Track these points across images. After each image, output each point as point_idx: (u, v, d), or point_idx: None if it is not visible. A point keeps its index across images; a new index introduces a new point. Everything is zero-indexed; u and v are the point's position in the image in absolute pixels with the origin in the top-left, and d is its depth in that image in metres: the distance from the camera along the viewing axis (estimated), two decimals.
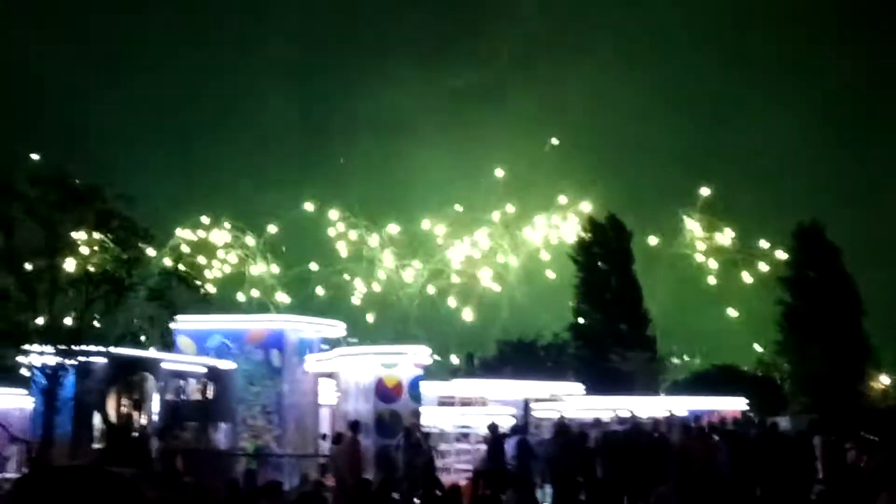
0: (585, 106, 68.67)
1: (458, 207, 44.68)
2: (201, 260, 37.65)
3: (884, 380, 48.65)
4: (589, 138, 66.85)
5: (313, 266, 42.20)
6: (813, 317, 46.83)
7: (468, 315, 42.00)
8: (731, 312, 42.78)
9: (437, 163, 57.94)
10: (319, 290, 40.63)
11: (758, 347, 50.04)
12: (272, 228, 41.34)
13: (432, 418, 28.08)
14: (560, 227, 44.60)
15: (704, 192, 42.03)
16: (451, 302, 42.12)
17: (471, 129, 66.46)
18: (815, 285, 48.10)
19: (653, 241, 45.65)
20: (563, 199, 44.09)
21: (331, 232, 42.00)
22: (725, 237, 42.24)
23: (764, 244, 43.92)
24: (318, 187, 47.80)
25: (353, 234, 42.24)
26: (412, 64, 73.22)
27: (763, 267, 42.60)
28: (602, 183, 51.07)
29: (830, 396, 43.85)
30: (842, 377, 45.37)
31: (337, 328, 29.81)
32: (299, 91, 76.92)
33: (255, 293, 40.40)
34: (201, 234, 38.76)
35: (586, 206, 47.10)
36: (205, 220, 39.26)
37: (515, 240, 43.64)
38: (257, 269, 40.87)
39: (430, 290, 43.31)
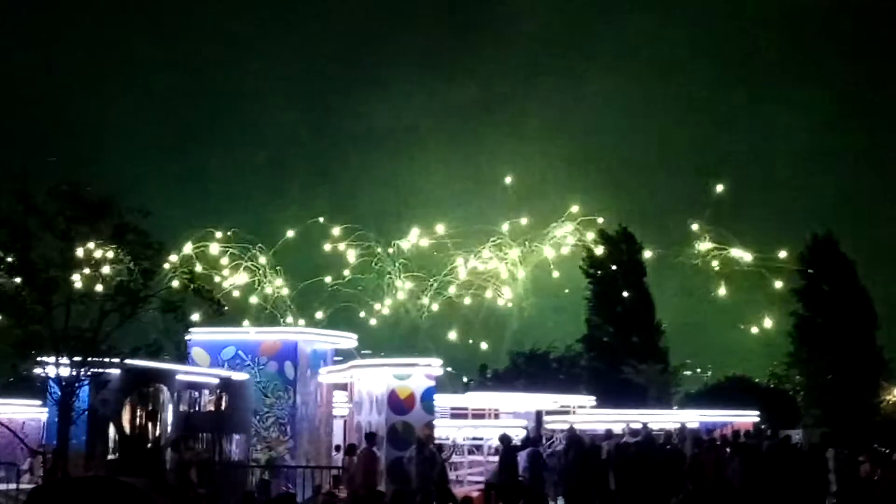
0: (593, 117, 68.76)
1: (466, 219, 44.81)
2: (214, 276, 37.69)
3: None
4: (596, 149, 66.94)
5: (326, 279, 42.29)
6: (826, 329, 46.78)
7: (475, 338, 42.10)
8: (744, 324, 42.75)
9: (444, 174, 58.13)
10: (320, 314, 40.62)
11: (772, 367, 50.04)
12: (282, 241, 41.43)
13: (445, 430, 28.11)
14: (568, 238, 44.61)
15: (719, 188, 41.88)
16: (459, 322, 42.12)
17: (478, 141, 66.60)
18: (828, 297, 48.03)
19: (664, 252, 45.70)
20: (573, 210, 44.11)
21: (339, 247, 41.99)
22: (737, 249, 42.17)
23: (778, 256, 43.90)
24: (326, 199, 48.11)
25: (351, 254, 42.23)
26: (420, 76, 73.44)
27: (776, 278, 42.51)
28: (611, 194, 51.30)
29: (843, 409, 43.78)
30: (855, 390, 45.28)
31: (350, 340, 29.87)
32: (307, 105, 77.17)
33: (253, 299, 40.37)
34: (212, 248, 38.81)
35: (595, 218, 47.16)
36: (218, 235, 39.34)
37: (524, 251, 43.69)
38: (267, 283, 40.91)
39: (437, 306, 43.36)
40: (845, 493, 23.03)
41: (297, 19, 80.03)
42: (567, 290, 48.41)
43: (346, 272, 41.52)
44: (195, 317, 26.48)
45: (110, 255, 22.73)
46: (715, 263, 41.52)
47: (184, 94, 72.81)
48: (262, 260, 40.36)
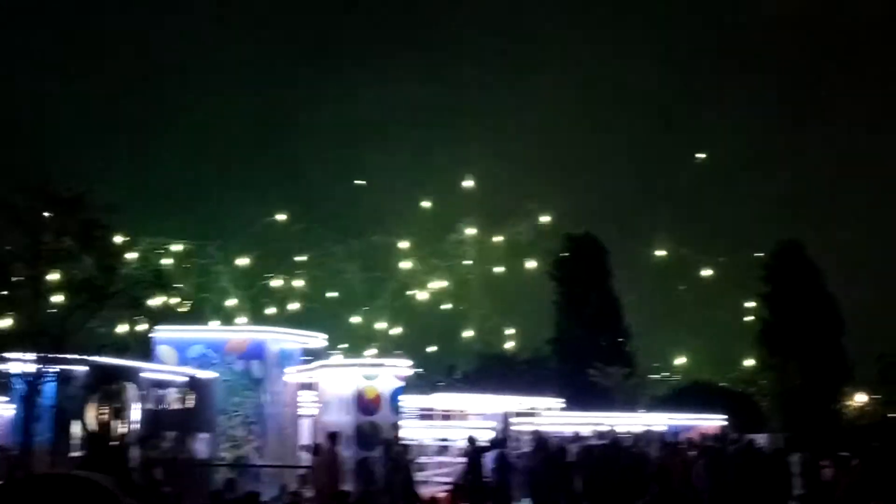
0: (551, 116, 68.36)
1: (425, 217, 45.09)
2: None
3: (861, 397, 48.93)
4: (554, 149, 66.70)
5: (275, 282, 42.39)
6: (791, 334, 47.15)
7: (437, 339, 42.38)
8: (710, 328, 43.16)
9: (400, 173, 57.78)
10: (282, 307, 40.65)
11: (747, 362, 50.35)
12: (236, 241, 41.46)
13: (412, 431, 28.11)
14: (527, 235, 45.03)
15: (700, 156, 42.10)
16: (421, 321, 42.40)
17: (436, 136, 66.00)
18: (793, 303, 48.43)
19: (629, 256, 46.18)
20: (530, 212, 44.48)
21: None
22: (701, 254, 42.60)
23: (742, 261, 44.41)
24: (282, 198, 48.01)
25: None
26: (375, 72, 72.60)
27: (741, 284, 43.02)
28: (575, 195, 51.58)
29: (808, 413, 44.13)
30: (819, 395, 45.69)
31: (317, 339, 29.81)
32: (262, 98, 75.67)
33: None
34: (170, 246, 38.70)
35: (548, 217, 47.54)
36: (176, 247, 39.18)
37: (483, 252, 44.05)
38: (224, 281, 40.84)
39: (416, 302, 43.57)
40: (809, 496, 23.22)
41: (253, 10, 78.69)
42: (526, 291, 48.73)
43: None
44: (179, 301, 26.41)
45: (78, 248, 22.62)
46: (679, 268, 41.98)
47: (134, 85, 71.57)
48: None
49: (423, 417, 30.69)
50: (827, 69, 70.82)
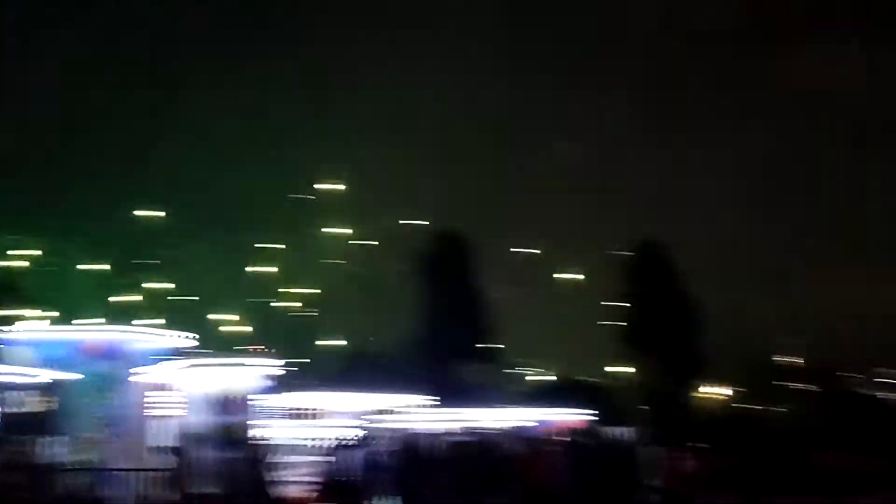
0: (416, 112, 68.14)
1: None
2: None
3: (717, 391, 50.54)
4: (415, 146, 66.62)
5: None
6: (651, 332, 48.41)
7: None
8: (574, 324, 43.96)
9: (271, 171, 57.04)
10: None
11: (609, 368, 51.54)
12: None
13: (277, 430, 27.87)
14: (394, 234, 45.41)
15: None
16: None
17: (304, 136, 65.07)
18: (651, 301, 49.67)
19: (496, 250, 46.80)
20: (398, 212, 44.80)
21: None
22: (570, 250, 43.35)
23: (603, 259, 45.45)
24: (147, 195, 47.27)
25: None
26: (250, 67, 71.14)
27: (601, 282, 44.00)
28: (441, 195, 51.95)
29: (668, 407, 45.34)
30: (678, 389, 47.07)
31: (180, 339, 29.30)
32: (131, 92, 73.36)
33: None
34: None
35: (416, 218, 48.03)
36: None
37: (351, 251, 44.19)
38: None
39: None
40: (667, 488, 23.80)
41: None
42: (394, 289, 48.99)
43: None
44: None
45: None
46: (547, 266, 42.64)
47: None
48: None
49: (288, 417, 30.47)
50: (690, 66, 72.02)
